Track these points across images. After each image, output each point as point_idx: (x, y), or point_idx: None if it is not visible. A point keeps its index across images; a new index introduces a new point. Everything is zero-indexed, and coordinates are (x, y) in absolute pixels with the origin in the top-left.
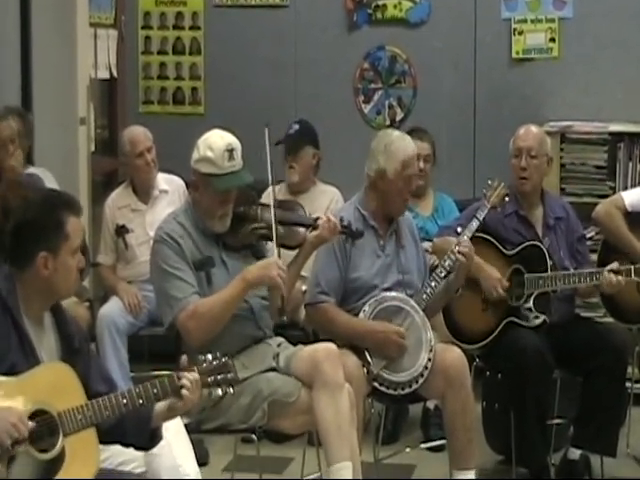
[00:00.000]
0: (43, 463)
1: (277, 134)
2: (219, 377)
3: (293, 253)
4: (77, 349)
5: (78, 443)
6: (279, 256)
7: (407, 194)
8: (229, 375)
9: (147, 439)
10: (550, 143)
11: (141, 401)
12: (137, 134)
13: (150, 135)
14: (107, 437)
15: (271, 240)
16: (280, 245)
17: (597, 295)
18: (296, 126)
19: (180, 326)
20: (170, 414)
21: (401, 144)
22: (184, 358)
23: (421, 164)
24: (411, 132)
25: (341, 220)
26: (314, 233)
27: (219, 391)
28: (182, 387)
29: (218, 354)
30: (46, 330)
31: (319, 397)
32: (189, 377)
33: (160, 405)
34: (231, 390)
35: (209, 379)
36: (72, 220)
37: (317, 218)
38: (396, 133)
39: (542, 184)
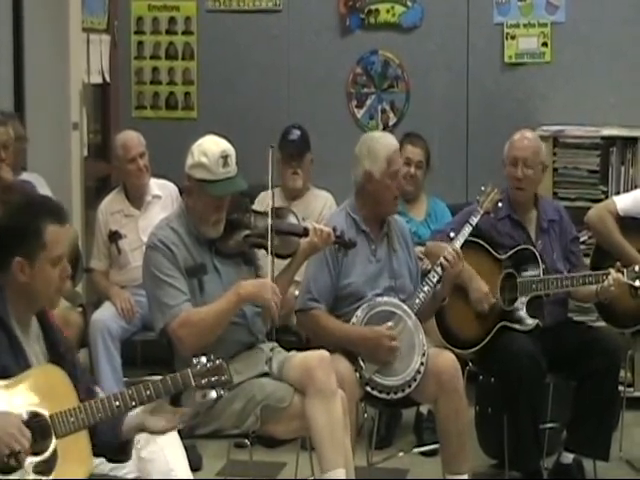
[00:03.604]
0: (36, 465)
1: (271, 138)
2: (213, 379)
3: (286, 261)
4: (62, 354)
5: (71, 445)
6: (272, 265)
7: (396, 190)
8: (223, 377)
9: (115, 450)
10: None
11: (134, 403)
12: (130, 139)
13: (143, 140)
14: None
15: (263, 248)
16: (274, 255)
17: (594, 299)
18: (297, 132)
19: (171, 333)
20: (140, 430)
21: (383, 142)
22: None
23: (411, 170)
24: (405, 137)
25: (334, 230)
26: (306, 240)
27: (213, 393)
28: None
29: (212, 357)
30: (33, 334)
31: (312, 404)
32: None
33: (132, 417)
34: (225, 393)
35: (203, 381)
36: (52, 229)
37: (307, 227)
38: (377, 134)
39: (536, 189)
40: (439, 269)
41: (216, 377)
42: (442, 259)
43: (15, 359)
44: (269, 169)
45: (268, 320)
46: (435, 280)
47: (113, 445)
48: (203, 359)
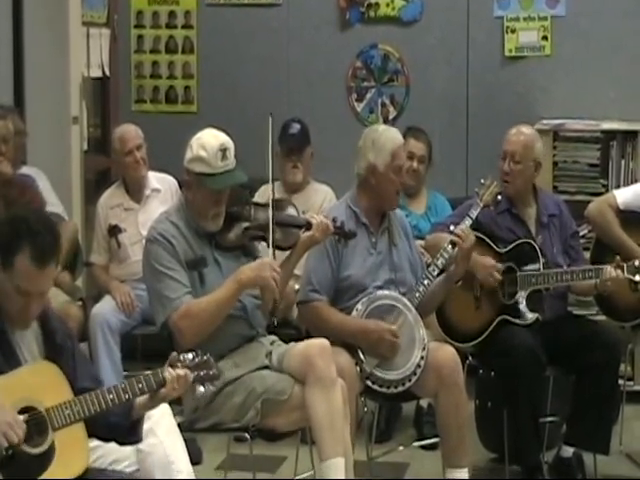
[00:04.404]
0: (34, 457)
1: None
2: (201, 374)
3: (286, 253)
4: (60, 345)
5: (68, 437)
6: (274, 258)
7: (398, 184)
8: (211, 372)
9: (126, 431)
10: (542, 143)
11: (127, 396)
12: (127, 132)
13: (140, 133)
14: (88, 430)
15: (263, 240)
16: (274, 246)
17: (593, 291)
18: (297, 125)
19: (173, 326)
20: (152, 404)
21: (388, 136)
22: (173, 354)
23: (414, 164)
24: (408, 131)
25: (334, 220)
26: (307, 234)
27: (201, 388)
28: (164, 381)
29: (198, 352)
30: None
31: (312, 392)
32: (171, 371)
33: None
34: (213, 387)
35: (192, 376)
36: (25, 263)
37: (309, 220)
38: (382, 127)
39: (532, 183)
40: (439, 262)
41: (204, 372)
42: (452, 236)
43: (4, 355)
44: (269, 138)
45: (270, 300)
46: (435, 274)
47: (124, 426)
48: (189, 355)
